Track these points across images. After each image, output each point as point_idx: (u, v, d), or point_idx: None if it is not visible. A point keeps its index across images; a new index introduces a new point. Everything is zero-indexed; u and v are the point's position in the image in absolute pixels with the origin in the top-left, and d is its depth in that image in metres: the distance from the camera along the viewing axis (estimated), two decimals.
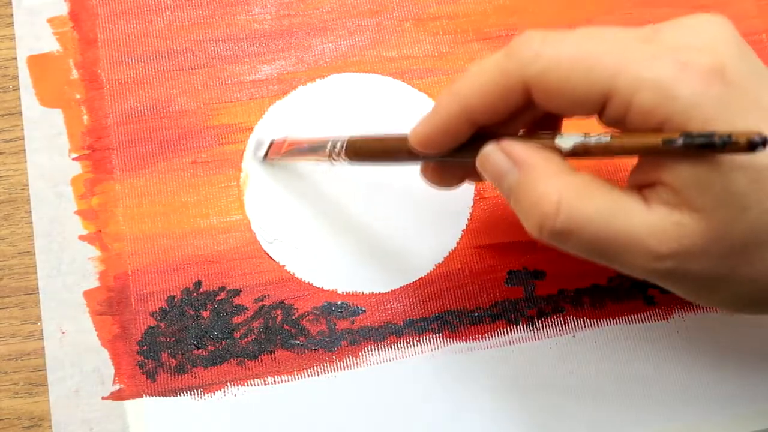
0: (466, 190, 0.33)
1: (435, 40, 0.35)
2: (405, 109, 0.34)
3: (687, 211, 0.21)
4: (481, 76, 0.23)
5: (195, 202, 0.32)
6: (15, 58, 0.33)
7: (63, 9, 0.34)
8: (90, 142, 0.33)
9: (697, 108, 0.20)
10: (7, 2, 0.34)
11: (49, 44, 0.34)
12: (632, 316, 0.32)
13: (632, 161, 0.24)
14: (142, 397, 0.30)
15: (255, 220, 0.32)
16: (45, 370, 0.30)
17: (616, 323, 0.32)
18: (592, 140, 0.22)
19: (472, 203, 0.33)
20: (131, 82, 0.34)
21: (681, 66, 0.21)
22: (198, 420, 0.30)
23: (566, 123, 0.26)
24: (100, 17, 0.34)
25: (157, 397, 0.30)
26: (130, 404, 0.30)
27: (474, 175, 0.25)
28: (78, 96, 0.33)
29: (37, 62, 0.33)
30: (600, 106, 0.22)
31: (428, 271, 0.32)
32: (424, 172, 0.27)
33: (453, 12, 0.35)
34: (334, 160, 0.28)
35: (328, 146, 0.28)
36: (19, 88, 0.33)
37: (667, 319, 0.32)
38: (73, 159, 0.32)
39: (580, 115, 0.23)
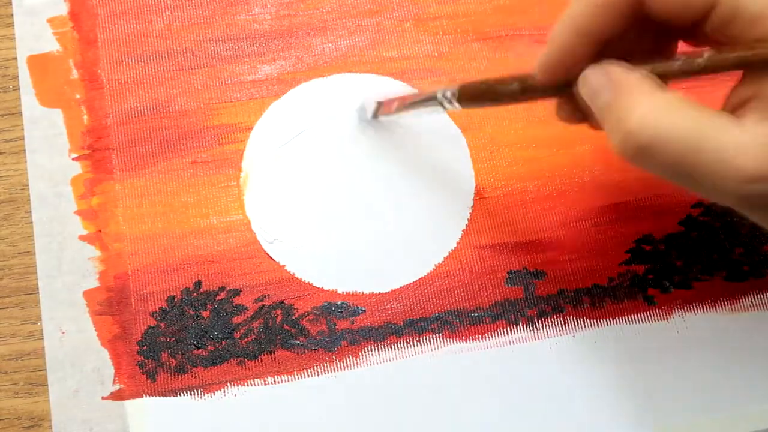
0: (466, 189, 0.33)
1: (435, 40, 0.35)
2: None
3: None
4: None
5: (195, 202, 0.32)
6: (15, 58, 0.33)
7: (63, 9, 0.34)
8: (90, 142, 0.33)
9: None
10: (7, 2, 0.34)
11: (49, 44, 0.34)
12: (632, 316, 0.32)
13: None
14: (142, 397, 0.30)
15: (255, 220, 0.32)
16: (45, 370, 0.30)
17: (616, 323, 0.32)
18: (695, 61, 0.22)
19: (472, 203, 0.33)
20: (131, 82, 0.34)
21: None
22: (198, 420, 0.30)
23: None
24: (100, 17, 0.34)
25: (157, 397, 0.30)
26: (130, 404, 0.30)
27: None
28: (78, 96, 0.33)
29: (37, 62, 0.33)
30: (707, 11, 0.22)
31: (428, 271, 0.32)
32: (558, 111, 0.27)
33: (453, 12, 0.35)
34: (446, 107, 0.29)
35: (438, 94, 0.29)
36: (19, 88, 0.33)
37: (667, 319, 0.32)
38: (73, 159, 0.32)
39: (687, 21, 0.23)
